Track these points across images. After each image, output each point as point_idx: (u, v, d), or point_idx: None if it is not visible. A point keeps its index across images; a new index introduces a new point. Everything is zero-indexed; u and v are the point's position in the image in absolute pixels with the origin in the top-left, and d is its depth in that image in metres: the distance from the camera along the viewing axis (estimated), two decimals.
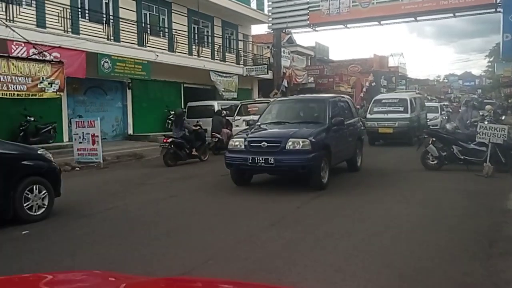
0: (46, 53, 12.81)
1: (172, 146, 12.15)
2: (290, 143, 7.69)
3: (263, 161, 7.68)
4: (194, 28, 22.13)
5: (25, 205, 6.05)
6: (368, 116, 17.44)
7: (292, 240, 5.16)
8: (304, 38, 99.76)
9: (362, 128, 11.25)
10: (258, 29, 67.70)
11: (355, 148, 10.25)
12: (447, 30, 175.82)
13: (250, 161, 7.80)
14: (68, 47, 13.64)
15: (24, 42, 12.41)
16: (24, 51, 12.51)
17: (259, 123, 9.22)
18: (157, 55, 17.82)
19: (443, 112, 24.34)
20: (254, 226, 5.77)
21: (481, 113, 14.29)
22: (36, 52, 12.58)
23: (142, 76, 17.65)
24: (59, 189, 6.63)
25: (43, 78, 12.30)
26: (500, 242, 4.96)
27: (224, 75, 22.49)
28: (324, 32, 68.51)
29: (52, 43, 13.12)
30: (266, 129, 8.82)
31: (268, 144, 7.82)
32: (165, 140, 12.39)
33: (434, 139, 10.49)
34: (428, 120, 20.26)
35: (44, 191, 6.33)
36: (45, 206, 6.34)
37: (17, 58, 11.90)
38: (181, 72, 19.70)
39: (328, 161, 8.24)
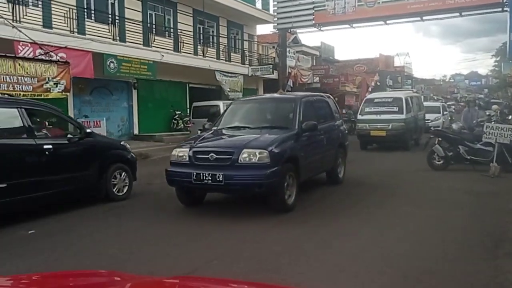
0: (52, 54, 12.89)
1: None
2: (244, 155, 6.12)
3: (210, 178, 6.09)
4: (199, 28, 22.17)
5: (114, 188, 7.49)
6: (359, 117, 15.86)
7: None
8: (310, 38, 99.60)
9: (346, 132, 9.70)
10: (264, 29, 67.80)
11: (335, 157, 8.61)
12: (453, 29, 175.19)
13: (194, 177, 6.21)
14: (74, 47, 13.71)
15: (30, 43, 12.49)
16: (31, 52, 12.59)
17: (215, 128, 7.65)
18: (163, 55, 17.86)
19: (445, 113, 23.43)
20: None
21: (487, 113, 14.22)
22: (43, 53, 12.65)
23: (148, 76, 17.70)
24: (135, 174, 7.98)
25: (49, 78, 12.35)
26: (506, 243, 4.93)
27: (230, 75, 22.50)
28: (329, 32, 68.28)
29: (58, 44, 13.19)
30: (218, 137, 7.25)
31: (217, 156, 6.24)
32: None
33: (440, 139, 10.45)
34: (428, 122, 19.55)
35: (126, 175, 7.68)
36: (127, 188, 7.69)
37: (23, 59, 11.97)
38: (187, 72, 19.74)
39: (296, 176, 6.69)
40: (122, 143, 8.28)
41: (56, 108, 7.45)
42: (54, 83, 12.48)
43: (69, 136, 7.22)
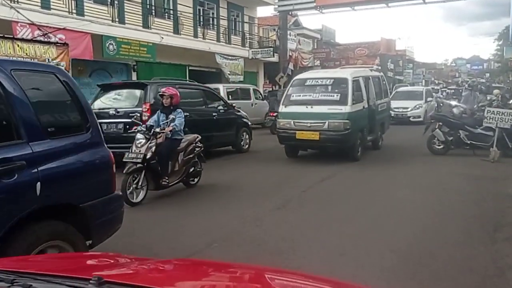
0: (51, 35, 12.77)
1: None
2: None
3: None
4: (199, 10, 21.90)
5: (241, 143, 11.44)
6: (281, 110, 9.96)
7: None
8: (311, 20, 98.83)
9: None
10: (264, 11, 66.93)
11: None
12: (456, 12, 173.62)
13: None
14: (73, 29, 13.58)
15: (28, 24, 12.37)
16: (29, 33, 12.47)
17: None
18: (162, 37, 17.71)
19: (429, 99, 19.50)
20: None
21: (488, 98, 14.18)
22: (41, 34, 12.53)
23: (147, 58, 17.56)
24: (251, 136, 11.87)
25: (48, 60, 12.25)
26: (505, 227, 4.96)
27: (230, 57, 22.32)
28: (331, 14, 67.51)
29: (56, 25, 13.05)
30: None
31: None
32: None
33: (441, 123, 10.43)
34: (405, 112, 17.99)
35: (248, 135, 11.67)
36: (248, 145, 11.70)
37: (22, 40, 11.86)
38: (187, 54, 19.58)
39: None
40: (243, 114, 11.71)
41: (213, 89, 11.65)
42: (54, 65, 12.39)
43: (222, 108, 10.67)
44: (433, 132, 10.44)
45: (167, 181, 6.51)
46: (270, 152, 11.20)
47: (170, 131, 6.45)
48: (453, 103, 15.73)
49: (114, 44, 15.71)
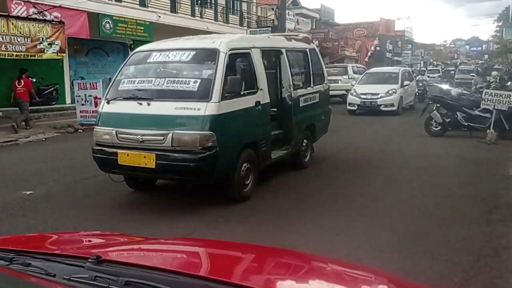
0: (46, 13, 12.58)
1: None
2: None
3: None
4: None
5: None
6: (102, 109, 5.55)
7: None
8: (310, 0, 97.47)
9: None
10: None
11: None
12: None
13: None
14: (68, 6, 13.38)
15: (23, 1, 12.17)
16: (24, 10, 12.28)
17: None
18: (159, 16, 17.49)
19: (406, 83, 15.71)
20: None
21: (488, 79, 14.11)
22: (36, 12, 12.35)
23: (144, 37, 17.33)
24: None
25: (43, 38, 12.10)
26: (500, 209, 5.00)
27: None
28: None
29: (52, 3, 12.85)
30: None
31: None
32: None
33: (438, 105, 10.42)
34: (372, 100, 14.69)
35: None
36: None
37: (16, 18, 11.68)
38: (184, 33, 19.06)
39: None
40: None
41: None
42: (49, 44, 12.24)
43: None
44: (430, 114, 10.43)
45: None
46: None
47: None
48: (445, 86, 14.69)
49: (110, 22, 15.51)
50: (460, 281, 3.26)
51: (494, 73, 15.14)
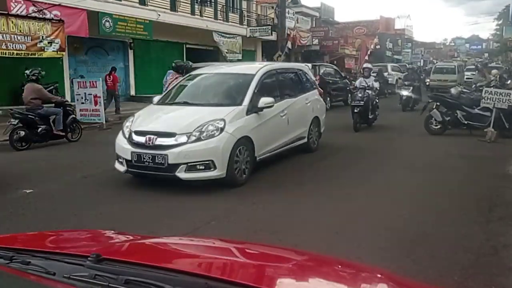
0: (46, 11, 12.57)
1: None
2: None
3: None
4: None
5: None
6: None
7: None
8: None
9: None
10: None
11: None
12: None
13: None
14: (68, 5, 13.37)
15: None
16: (24, 9, 12.27)
17: None
18: (159, 15, 17.47)
19: (288, 101, 7.88)
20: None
21: (489, 77, 14.08)
22: (36, 10, 12.34)
23: (144, 36, 17.37)
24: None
25: (42, 37, 12.10)
26: (500, 207, 5.01)
27: (228, 36, 22.09)
28: None
29: (51, 1, 12.85)
30: None
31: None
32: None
33: (438, 103, 10.42)
34: (153, 153, 5.61)
35: None
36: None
37: (16, 16, 11.68)
38: (184, 32, 19.36)
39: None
40: None
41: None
42: (49, 42, 12.24)
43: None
44: (430, 112, 10.43)
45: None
46: None
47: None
48: (405, 93, 15.66)
49: (110, 21, 15.51)
50: (459, 279, 3.26)
51: (494, 71, 15.13)
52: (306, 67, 9.46)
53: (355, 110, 10.97)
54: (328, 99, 15.59)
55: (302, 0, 33.47)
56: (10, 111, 9.50)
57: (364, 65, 13.18)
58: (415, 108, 15.03)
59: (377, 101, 11.85)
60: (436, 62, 36.60)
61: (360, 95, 10.99)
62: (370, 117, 11.32)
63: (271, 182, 6.15)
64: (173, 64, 10.87)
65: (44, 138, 9.22)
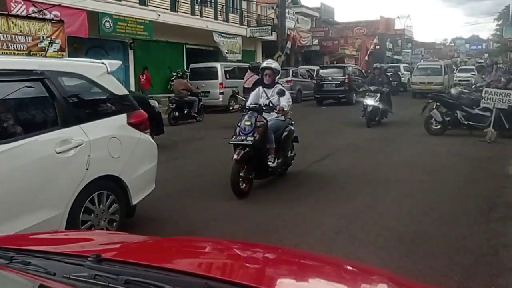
0: (46, 12, 12.58)
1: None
2: None
3: None
4: None
5: None
6: None
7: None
8: None
9: None
10: None
11: None
12: None
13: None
14: (68, 5, 13.37)
15: (23, 0, 12.17)
16: (24, 9, 12.28)
17: None
18: (159, 15, 17.47)
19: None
20: None
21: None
22: (36, 10, 12.34)
23: (144, 36, 17.36)
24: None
25: (43, 37, 12.10)
26: (500, 207, 5.00)
27: (228, 36, 22.08)
28: None
29: (51, 1, 12.85)
30: None
31: None
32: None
33: (438, 103, 10.42)
34: None
35: None
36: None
37: (16, 16, 11.68)
38: (184, 32, 19.36)
39: None
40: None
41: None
42: (49, 42, 12.23)
43: None
44: (430, 113, 10.43)
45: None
46: None
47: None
48: (370, 102, 11.73)
49: (110, 21, 15.51)
50: (459, 280, 3.26)
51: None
52: (100, 67, 4.27)
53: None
54: (354, 95, 18.05)
55: (302, 0, 33.51)
56: (169, 98, 14.20)
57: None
58: (383, 122, 12.29)
59: None
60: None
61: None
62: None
63: (270, 182, 6.15)
64: (249, 65, 13.13)
65: (187, 118, 13.45)
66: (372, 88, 12.16)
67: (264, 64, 6.33)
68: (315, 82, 20.24)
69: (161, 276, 1.10)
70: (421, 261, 3.55)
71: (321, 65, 25.54)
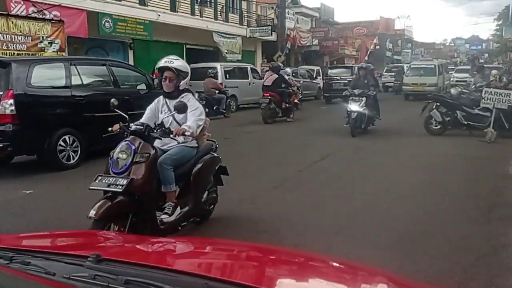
0: (45, 12, 12.58)
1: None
2: None
3: None
4: None
5: None
6: None
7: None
8: None
9: None
10: None
11: None
12: None
13: None
14: (68, 5, 13.37)
15: (23, 0, 12.17)
16: (23, 9, 12.28)
17: None
18: (159, 15, 17.47)
19: None
20: None
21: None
22: (36, 10, 12.34)
23: (144, 36, 17.36)
24: None
25: (43, 37, 12.11)
26: (500, 207, 5.00)
27: (227, 36, 22.08)
28: None
29: (51, 1, 12.85)
30: None
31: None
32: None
33: (438, 104, 10.42)
34: None
35: None
36: None
37: (16, 17, 11.68)
38: (184, 32, 19.35)
39: None
40: None
41: None
42: (49, 42, 12.24)
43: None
44: (430, 113, 10.43)
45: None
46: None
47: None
48: (354, 108, 10.25)
49: (110, 21, 15.50)
50: (459, 280, 3.26)
51: (493, 71, 15.13)
52: None
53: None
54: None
55: (302, 1, 33.49)
56: (199, 95, 13.44)
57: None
58: (369, 129, 10.96)
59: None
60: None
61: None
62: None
63: (270, 183, 6.15)
64: (270, 66, 14.71)
65: (216, 115, 14.00)
66: (356, 91, 10.60)
67: (161, 63, 4.23)
68: (324, 81, 21.87)
69: (161, 276, 1.10)
70: (421, 261, 3.55)
71: (329, 66, 26.22)
